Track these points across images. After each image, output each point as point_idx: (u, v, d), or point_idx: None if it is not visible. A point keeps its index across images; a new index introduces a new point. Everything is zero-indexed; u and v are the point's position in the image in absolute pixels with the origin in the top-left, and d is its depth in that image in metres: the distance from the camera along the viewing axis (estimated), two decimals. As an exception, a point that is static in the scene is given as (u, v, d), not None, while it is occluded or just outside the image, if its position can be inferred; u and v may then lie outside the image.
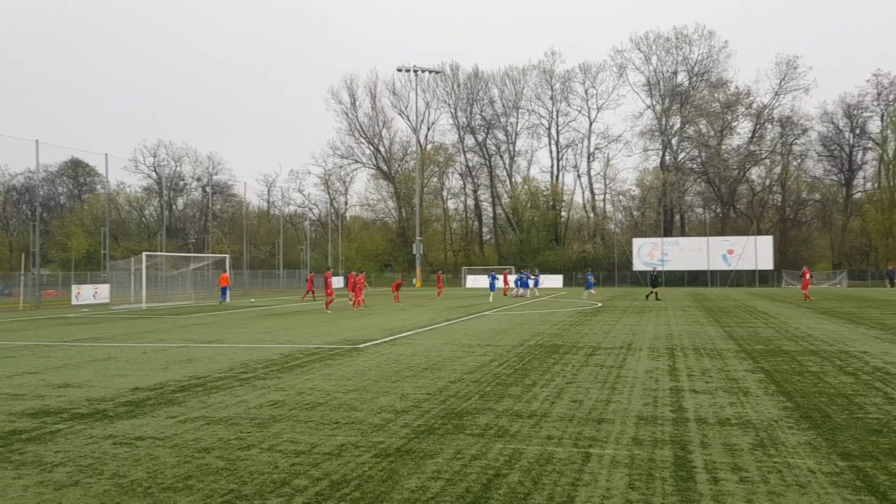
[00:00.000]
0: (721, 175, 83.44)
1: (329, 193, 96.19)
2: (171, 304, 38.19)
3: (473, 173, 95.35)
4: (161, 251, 49.11)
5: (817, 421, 7.56)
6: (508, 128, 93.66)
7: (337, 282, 54.90)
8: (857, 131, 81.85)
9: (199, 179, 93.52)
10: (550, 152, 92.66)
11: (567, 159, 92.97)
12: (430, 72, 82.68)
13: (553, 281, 68.78)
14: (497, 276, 43.36)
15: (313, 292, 43.15)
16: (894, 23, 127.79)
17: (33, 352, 15.21)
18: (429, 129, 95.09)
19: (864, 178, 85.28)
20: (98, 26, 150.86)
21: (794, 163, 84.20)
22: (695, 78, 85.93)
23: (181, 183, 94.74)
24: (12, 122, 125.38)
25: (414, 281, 74.41)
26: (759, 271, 71.29)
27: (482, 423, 7.54)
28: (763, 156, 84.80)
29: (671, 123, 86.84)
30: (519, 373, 11.18)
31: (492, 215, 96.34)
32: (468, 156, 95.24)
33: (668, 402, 8.65)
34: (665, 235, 78.33)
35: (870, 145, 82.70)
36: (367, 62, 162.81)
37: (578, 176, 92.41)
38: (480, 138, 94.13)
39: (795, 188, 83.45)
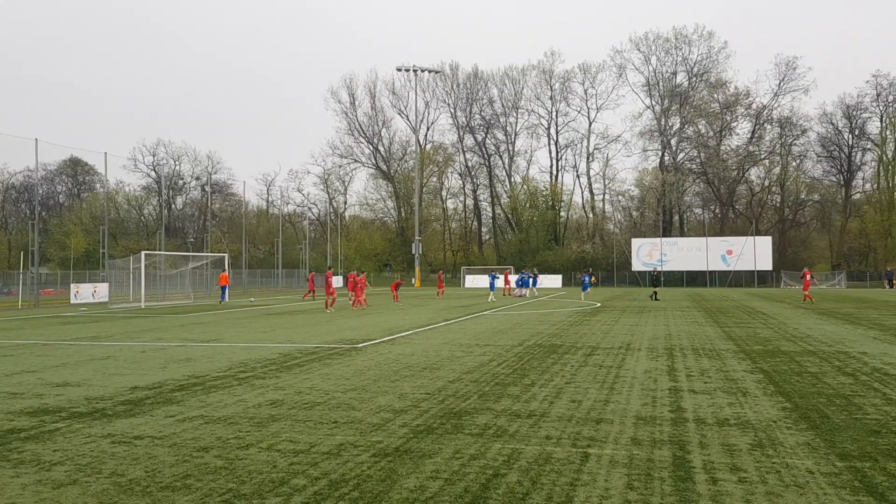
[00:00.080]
0: (720, 175, 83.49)
1: (328, 193, 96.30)
2: (169, 303, 38.18)
3: (473, 173, 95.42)
4: (160, 250, 49.08)
5: (816, 421, 7.56)
6: (508, 128, 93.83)
7: (337, 281, 54.85)
8: (857, 132, 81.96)
9: (198, 178, 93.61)
10: (550, 152, 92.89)
11: (566, 159, 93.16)
12: (429, 71, 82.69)
13: (552, 281, 68.80)
14: (497, 275, 43.33)
15: (314, 292, 43.12)
16: (894, 24, 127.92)
17: (32, 350, 15.20)
18: (428, 129, 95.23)
19: (863, 178, 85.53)
20: (98, 26, 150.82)
21: (794, 163, 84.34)
22: (694, 78, 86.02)
23: (180, 182, 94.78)
24: (11, 120, 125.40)
25: (413, 281, 74.38)
26: (758, 272, 71.35)
27: (481, 423, 7.54)
28: (762, 156, 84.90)
29: (670, 124, 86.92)
30: (518, 373, 11.18)
31: (491, 215, 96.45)
32: (467, 156, 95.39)
33: (666, 403, 8.66)
34: (664, 236, 78.38)
35: (869, 146, 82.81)
36: (367, 62, 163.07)
37: (578, 176, 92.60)
38: (480, 138, 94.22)
39: (794, 189, 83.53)
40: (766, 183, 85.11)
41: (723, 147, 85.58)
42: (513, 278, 47.98)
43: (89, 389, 9.95)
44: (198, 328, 20.90)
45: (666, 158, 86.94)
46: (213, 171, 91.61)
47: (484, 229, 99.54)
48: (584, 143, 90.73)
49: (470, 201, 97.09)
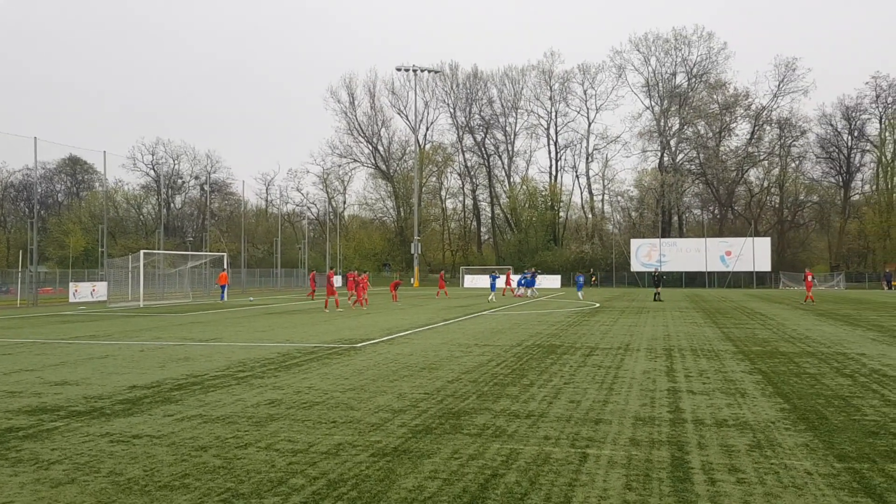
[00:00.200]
0: (719, 176, 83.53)
1: (327, 192, 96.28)
2: (168, 302, 38.16)
3: (472, 173, 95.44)
4: (159, 249, 49.07)
5: (814, 422, 7.57)
6: (507, 128, 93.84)
7: (337, 281, 54.85)
8: (856, 133, 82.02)
9: (197, 178, 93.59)
10: (549, 153, 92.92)
11: (566, 160, 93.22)
12: (429, 71, 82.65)
13: (551, 281, 68.80)
14: (497, 275, 43.29)
15: (314, 290, 43.09)
16: (893, 25, 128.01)
17: (30, 349, 15.19)
18: (427, 129, 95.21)
19: (862, 180, 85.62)
20: (97, 25, 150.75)
21: (793, 164, 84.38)
22: (693, 79, 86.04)
23: (179, 181, 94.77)
24: (10, 119, 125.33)
25: (412, 280, 74.38)
26: (757, 273, 71.38)
27: (479, 423, 7.54)
28: (761, 157, 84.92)
29: (670, 124, 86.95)
30: (516, 373, 11.18)
31: (490, 215, 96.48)
32: (467, 156, 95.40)
33: (665, 403, 8.66)
34: (663, 236, 78.41)
35: (868, 147, 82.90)
36: (367, 62, 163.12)
37: (577, 176, 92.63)
38: (479, 138, 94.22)
39: (793, 190, 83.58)
40: (766, 184, 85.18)
41: (722, 148, 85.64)
42: (514, 278, 48.04)
43: (88, 388, 9.94)
44: (196, 327, 20.89)
45: (665, 159, 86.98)
46: (213, 170, 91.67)
47: (483, 229, 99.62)
48: (584, 144, 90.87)
49: (469, 201, 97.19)
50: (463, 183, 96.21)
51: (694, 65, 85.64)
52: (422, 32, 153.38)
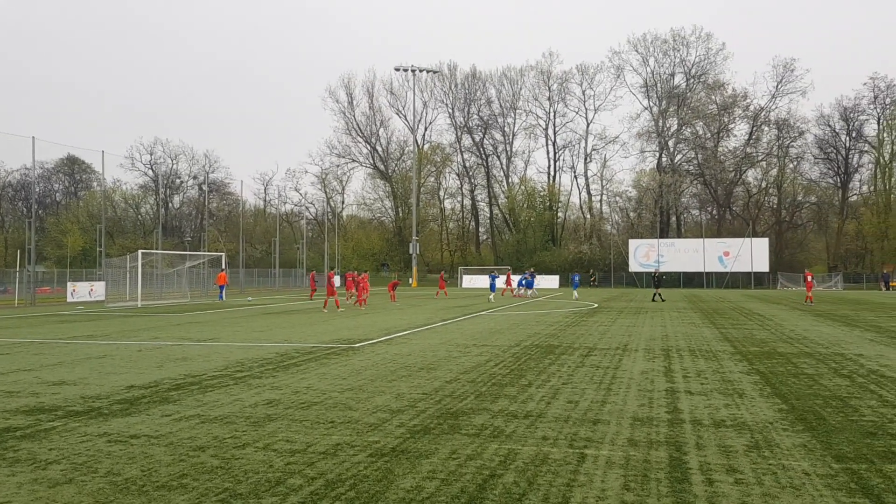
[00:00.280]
0: (717, 177, 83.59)
1: (326, 192, 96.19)
2: (166, 302, 38.13)
3: (470, 173, 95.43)
4: (157, 249, 49.03)
5: (812, 423, 7.57)
6: (506, 128, 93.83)
7: (337, 281, 54.83)
8: (854, 134, 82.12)
9: (195, 177, 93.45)
10: (547, 153, 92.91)
11: (564, 160, 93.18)
12: (427, 71, 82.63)
13: (549, 281, 68.82)
14: (497, 275, 43.23)
15: (314, 290, 43.01)
16: (892, 26, 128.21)
17: (28, 349, 15.17)
18: (426, 129, 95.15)
19: (859, 181, 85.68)
20: (97, 25, 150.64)
21: (791, 165, 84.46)
22: (692, 80, 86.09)
23: (177, 181, 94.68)
24: (9, 118, 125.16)
25: (410, 281, 74.38)
26: (755, 273, 71.42)
27: (478, 424, 7.53)
28: (759, 158, 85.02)
29: (668, 125, 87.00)
30: (515, 373, 11.18)
31: (488, 215, 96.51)
32: (465, 156, 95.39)
33: (663, 404, 8.66)
34: (661, 237, 78.45)
35: (866, 148, 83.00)
36: (365, 61, 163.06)
37: (575, 177, 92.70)
38: (478, 138, 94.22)
39: (791, 191, 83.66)
40: (764, 184, 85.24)
41: (720, 148, 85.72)
42: (515, 279, 48.08)
43: (85, 388, 9.93)
44: (194, 327, 20.87)
45: (663, 160, 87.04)
46: (211, 170, 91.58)
47: (481, 229, 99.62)
48: (582, 144, 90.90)
49: (467, 201, 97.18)
50: (461, 183, 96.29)
51: (692, 65, 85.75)
52: (421, 32, 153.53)
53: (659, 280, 41.10)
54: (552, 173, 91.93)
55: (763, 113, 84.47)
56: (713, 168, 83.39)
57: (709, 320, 23.27)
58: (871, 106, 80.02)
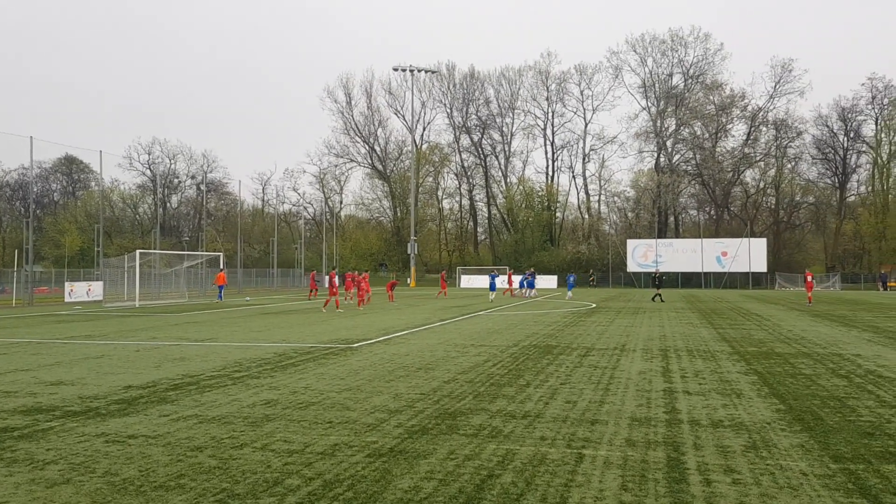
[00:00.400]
0: (715, 177, 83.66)
1: (324, 192, 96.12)
2: (164, 302, 38.10)
3: (469, 173, 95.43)
4: (155, 249, 48.99)
5: (810, 423, 7.58)
6: (504, 128, 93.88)
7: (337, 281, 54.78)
8: (852, 135, 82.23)
9: (193, 177, 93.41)
10: (546, 153, 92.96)
11: (562, 160, 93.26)
12: (426, 71, 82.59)
13: (547, 282, 68.84)
14: (497, 275, 43.18)
15: (317, 290, 43.03)
16: (890, 27, 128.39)
17: (26, 349, 15.15)
18: (424, 129, 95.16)
19: (857, 181, 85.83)
20: (96, 24, 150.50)
21: (789, 166, 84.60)
22: (690, 80, 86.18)
23: (175, 180, 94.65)
24: (7, 118, 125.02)
25: (409, 280, 74.38)
26: (753, 273, 71.49)
27: (476, 424, 7.53)
28: (757, 158, 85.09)
29: (666, 125, 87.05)
30: (513, 373, 11.18)
31: (487, 215, 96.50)
32: (463, 156, 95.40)
33: (661, 404, 8.67)
34: (659, 237, 78.49)
35: (864, 149, 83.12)
36: (364, 61, 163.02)
37: (573, 177, 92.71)
38: (476, 138, 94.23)
39: (789, 191, 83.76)
40: (761, 185, 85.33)
41: (718, 149, 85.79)
42: (516, 279, 48.09)
43: (83, 388, 9.92)
44: (192, 327, 20.85)
45: (661, 160, 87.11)
46: (209, 169, 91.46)
47: (480, 229, 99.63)
48: (580, 144, 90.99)
49: (466, 201, 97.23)
50: (459, 183, 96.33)
51: (690, 66, 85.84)
52: (420, 33, 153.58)
53: (659, 280, 41.06)
54: (550, 173, 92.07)
55: (761, 113, 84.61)
56: (711, 168, 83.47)
57: (707, 320, 23.29)
58: (869, 106, 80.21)
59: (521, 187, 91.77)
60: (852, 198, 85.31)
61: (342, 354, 13.79)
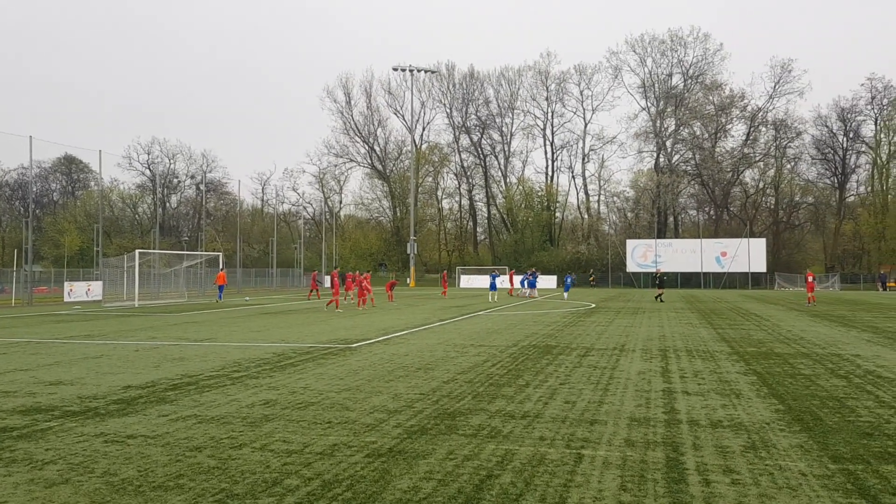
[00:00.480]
0: (715, 177, 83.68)
1: (323, 192, 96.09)
2: (163, 301, 38.09)
3: (468, 173, 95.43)
4: (154, 249, 48.97)
5: (809, 424, 7.58)
6: (503, 128, 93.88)
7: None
8: (851, 135, 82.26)
9: (192, 177, 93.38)
10: (545, 153, 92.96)
11: (562, 160, 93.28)
12: (425, 71, 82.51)
13: (546, 282, 68.82)
14: (498, 275, 43.11)
15: (317, 290, 43.00)
16: (890, 27, 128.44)
17: (25, 349, 15.14)
18: (424, 129, 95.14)
19: (857, 181, 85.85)
20: (96, 24, 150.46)
21: (788, 166, 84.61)
22: (689, 80, 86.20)
23: (175, 180, 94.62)
24: (6, 117, 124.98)
25: (408, 280, 74.38)
26: (752, 274, 71.50)
27: (475, 424, 7.53)
28: (757, 159, 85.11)
29: (665, 125, 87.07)
30: (512, 373, 11.18)
31: (486, 215, 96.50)
32: (463, 156, 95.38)
33: (660, 404, 8.67)
34: (658, 237, 78.50)
35: (863, 149, 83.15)
36: (364, 61, 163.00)
37: (573, 177, 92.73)
38: (475, 138, 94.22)
39: (789, 191, 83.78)
40: (761, 185, 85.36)
41: (717, 149, 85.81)
42: (517, 278, 48.07)
43: (82, 388, 9.92)
44: (191, 327, 20.85)
45: (661, 160, 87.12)
46: (208, 169, 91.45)
47: (479, 229, 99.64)
48: (580, 144, 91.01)
49: (465, 201, 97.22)
50: (459, 183, 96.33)
51: (690, 66, 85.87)
52: (420, 33, 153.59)
53: (661, 280, 41.05)
54: (550, 173, 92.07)
55: (760, 113, 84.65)
56: (711, 168, 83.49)
57: (706, 320, 23.29)
58: (869, 107, 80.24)
59: (520, 187, 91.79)
60: (852, 198, 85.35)
61: (341, 354, 13.79)
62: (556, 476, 5.68)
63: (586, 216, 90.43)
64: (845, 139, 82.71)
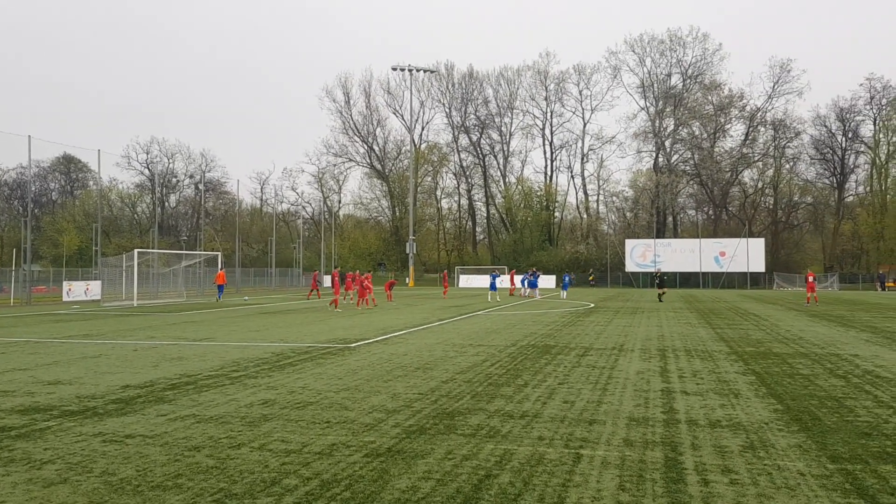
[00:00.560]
0: (714, 177, 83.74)
1: (322, 192, 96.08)
2: (162, 301, 38.06)
3: (467, 173, 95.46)
4: (153, 248, 48.95)
5: (807, 423, 7.58)
6: (503, 128, 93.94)
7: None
8: (850, 135, 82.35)
9: (191, 176, 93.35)
10: (544, 153, 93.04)
11: (561, 160, 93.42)
12: (424, 71, 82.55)
13: (546, 281, 68.78)
14: (498, 274, 43.05)
15: (318, 290, 42.97)
16: (889, 27, 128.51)
17: (23, 348, 15.12)
18: (423, 129, 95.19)
19: (856, 181, 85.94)
20: (96, 24, 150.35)
21: (787, 166, 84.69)
22: (688, 80, 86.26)
23: (174, 180, 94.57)
24: (6, 117, 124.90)
25: (407, 280, 74.36)
26: (751, 273, 71.55)
27: (473, 424, 7.53)
28: (756, 158, 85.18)
29: (664, 125, 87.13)
30: (511, 373, 11.18)
31: (485, 215, 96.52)
32: (462, 155, 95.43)
33: (659, 404, 8.67)
34: (657, 237, 78.53)
35: (862, 149, 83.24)
36: (363, 61, 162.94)
37: (572, 177, 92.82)
38: (475, 138, 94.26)
39: (787, 191, 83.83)
40: (760, 185, 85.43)
41: (716, 149, 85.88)
42: (518, 278, 48.05)
43: (81, 388, 9.91)
44: (190, 327, 20.84)
45: (660, 160, 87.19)
46: (207, 169, 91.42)
47: (478, 229, 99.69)
48: (579, 144, 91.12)
49: (464, 201, 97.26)
50: (458, 183, 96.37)
51: (689, 66, 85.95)
52: (420, 33, 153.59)
53: (661, 280, 41.09)
54: (549, 173, 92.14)
55: (759, 113, 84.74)
56: (709, 168, 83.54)
57: (705, 320, 23.30)
58: (868, 107, 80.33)
59: (519, 187, 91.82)
60: (850, 198, 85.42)
61: (340, 354, 13.78)
62: (555, 476, 5.68)
63: (585, 216, 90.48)
64: (844, 139, 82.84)
